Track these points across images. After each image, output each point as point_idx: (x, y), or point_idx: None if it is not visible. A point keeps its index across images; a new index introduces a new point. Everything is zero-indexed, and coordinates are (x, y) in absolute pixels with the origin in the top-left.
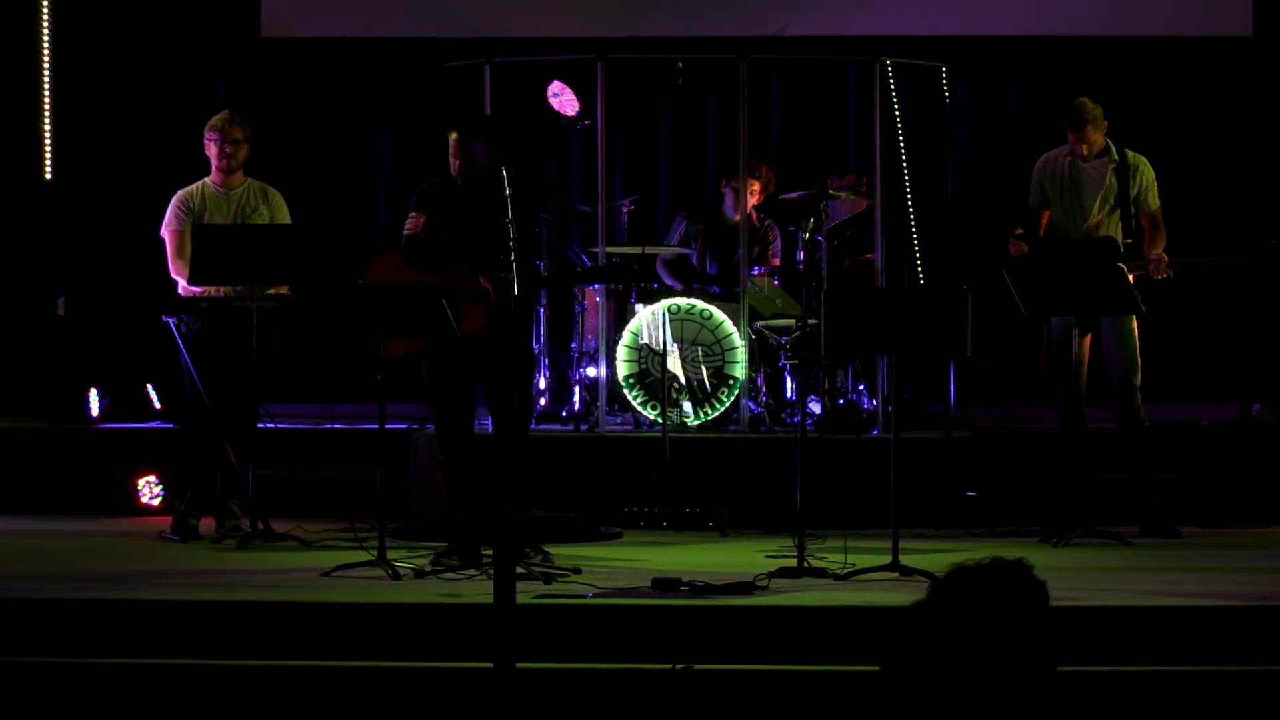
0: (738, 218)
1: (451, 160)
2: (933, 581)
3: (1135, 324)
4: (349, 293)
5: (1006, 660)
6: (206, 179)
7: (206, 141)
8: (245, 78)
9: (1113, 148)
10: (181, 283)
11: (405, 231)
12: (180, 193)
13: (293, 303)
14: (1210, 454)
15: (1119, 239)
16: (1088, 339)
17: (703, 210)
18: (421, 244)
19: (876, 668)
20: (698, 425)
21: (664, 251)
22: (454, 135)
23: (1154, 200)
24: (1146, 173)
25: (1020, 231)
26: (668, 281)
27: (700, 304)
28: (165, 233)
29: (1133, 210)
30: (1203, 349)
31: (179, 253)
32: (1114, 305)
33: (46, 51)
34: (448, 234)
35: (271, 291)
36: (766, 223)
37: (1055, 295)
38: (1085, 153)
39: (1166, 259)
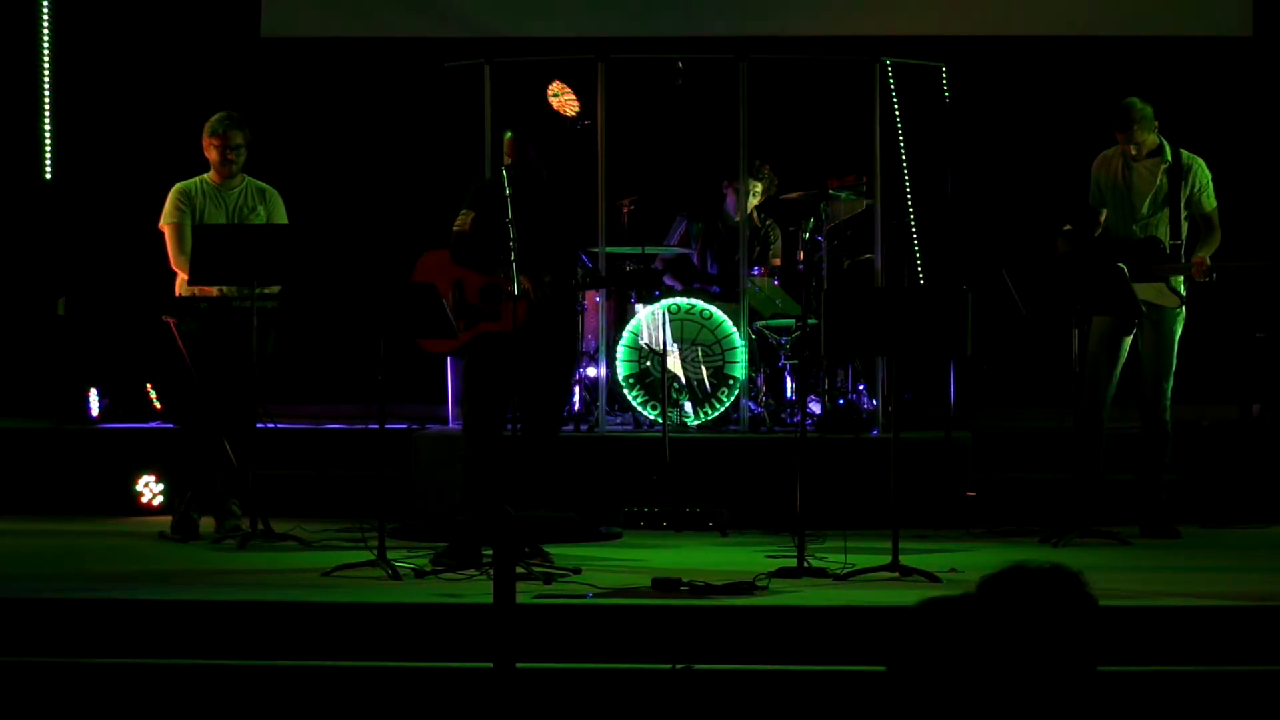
0: (739, 218)
1: (505, 159)
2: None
3: (1178, 328)
4: (348, 292)
5: (1040, 666)
6: (205, 175)
7: (206, 145)
8: (245, 78)
9: (1167, 148)
10: (182, 276)
11: (455, 228)
12: (179, 186)
13: (292, 302)
14: (1210, 454)
15: (1166, 239)
16: (1128, 341)
17: (703, 210)
18: (470, 241)
19: (877, 668)
20: (698, 425)
21: (664, 252)
22: (509, 135)
23: (1209, 201)
24: (1201, 174)
25: (1069, 229)
26: (667, 281)
27: (700, 304)
28: (165, 226)
29: (1185, 211)
30: (1203, 349)
31: (181, 247)
32: (1113, 306)
33: (46, 51)
34: (499, 231)
35: (269, 291)
36: (768, 223)
37: (1054, 295)
38: (1134, 153)
39: (1208, 262)
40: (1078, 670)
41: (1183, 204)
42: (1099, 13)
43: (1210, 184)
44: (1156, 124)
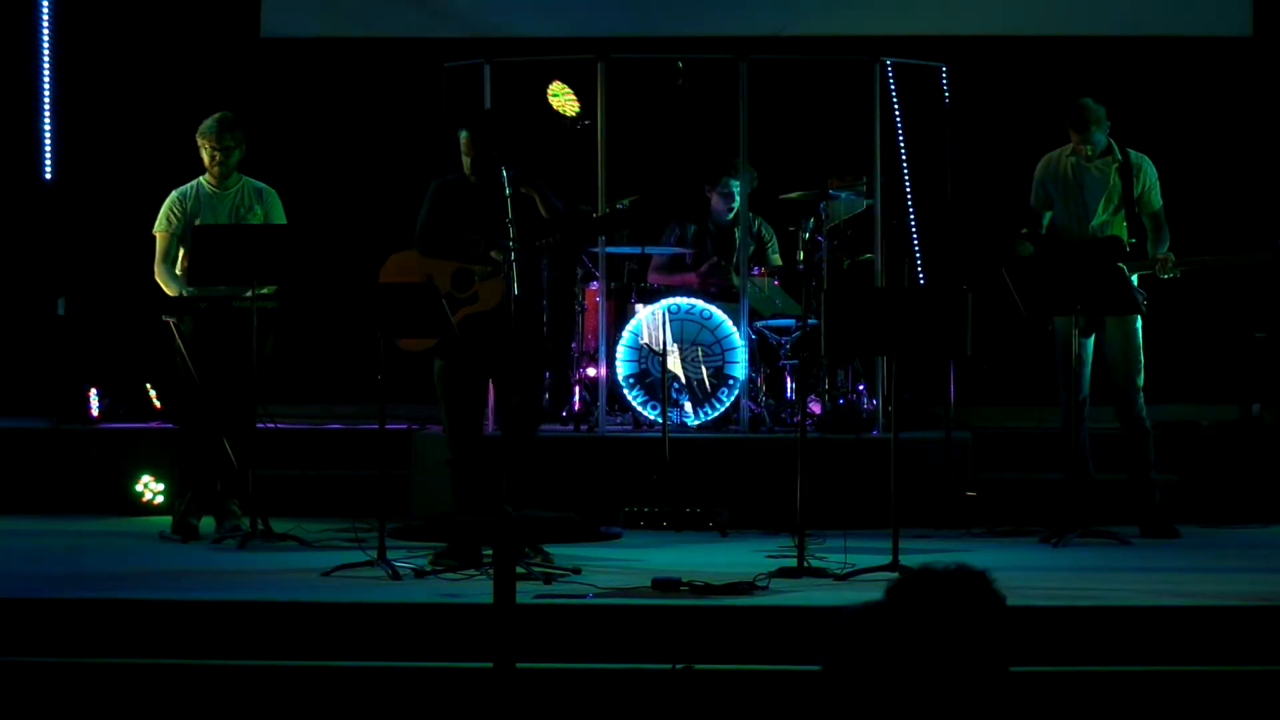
0: (729, 218)
1: (464, 158)
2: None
3: (1140, 324)
4: (348, 292)
5: (952, 667)
6: (202, 178)
7: (199, 146)
8: (245, 78)
9: (1116, 147)
10: (164, 288)
11: (420, 223)
12: (174, 193)
13: (290, 302)
14: (1210, 454)
15: (1124, 238)
16: (1092, 338)
17: (693, 214)
18: (439, 231)
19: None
20: (698, 425)
21: (659, 252)
22: (465, 133)
23: (1156, 200)
24: (1150, 172)
25: (1025, 231)
26: (657, 281)
27: (700, 304)
28: (155, 233)
29: (1136, 209)
30: (1203, 349)
31: (165, 255)
32: (1114, 305)
33: (46, 51)
34: (463, 226)
35: (266, 291)
36: (758, 221)
37: (1055, 295)
38: (1089, 154)
39: (1173, 258)
40: (988, 669)
41: (1135, 202)
42: (1099, 13)
43: (1157, 182)
44: (1109, 124)
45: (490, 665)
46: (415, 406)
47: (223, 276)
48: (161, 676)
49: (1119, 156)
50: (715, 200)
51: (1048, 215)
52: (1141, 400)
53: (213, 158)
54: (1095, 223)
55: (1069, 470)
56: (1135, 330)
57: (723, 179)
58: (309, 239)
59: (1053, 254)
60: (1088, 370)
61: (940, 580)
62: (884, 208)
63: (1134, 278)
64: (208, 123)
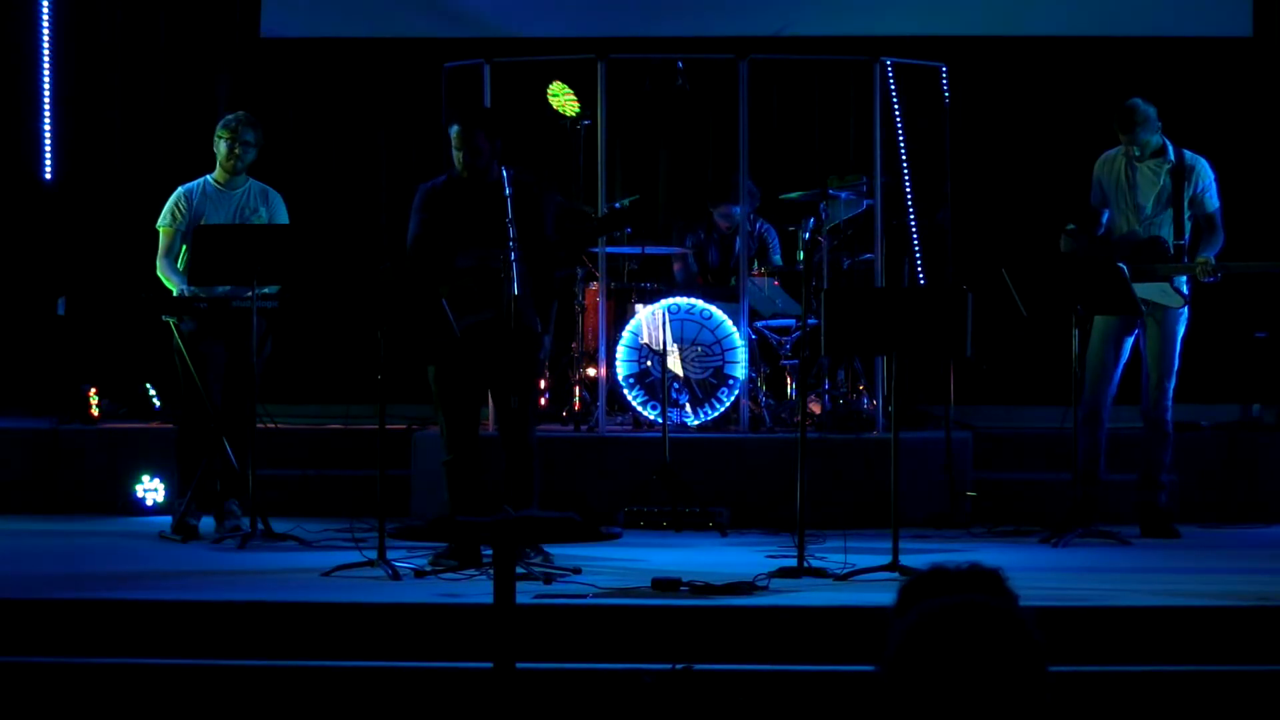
0: (730, 230)
1: (455, 154)
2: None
3: (1182, 330)
4: (349, 292)
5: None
6: (209, 176)
7: (217, 139)
8: (245, 78)
9: (1170, 148)
10: (168, 285)
11: (411, 235)
12: (180, 189)
13: (290, 302)
14: (1210, 454)
15: (1170, 239)
16: (1131, 339)
17: (698, 221)
18: (433, 248)
19: (876, 668)
20: (698, 425)
21: (659, 252)
22: (456, 128)
23: (1211, 202)
24: (1204, 174)
25: (1072, 227)
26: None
27: (700, 304)
28: (160, 228)
29: (1188, 211)
30: (1203, 349)
31: (167, 251)
32: (1113, 305)
33: (46, 51)
34: (456, 229)
35: (267, 291)
36: (761, 230)
37: (1055, 295)
38: (1137, 154)
39: (1212, 263)
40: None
41: (1186, 204)
42: (1099, 13)
43: (1213, 185)
44: (1160, 125)
45: (490, 665)
46: (416, 406)
47: (224, 276)
48: (161, 676)
49: (1172, 158)
50: (717, 218)
51: (1106, 213)
52: (1169, 403)
53: (230, 151)
54: (1143, 223)
55: (1077, 468)
56: (1174, 334)
57: (723, 205)
58: (310, 239)
59: (1047, 257)
60: (1119, 371)
61: (953, 579)
62: (884, 208)
63: (1182, 280)
64: (232, 116)
